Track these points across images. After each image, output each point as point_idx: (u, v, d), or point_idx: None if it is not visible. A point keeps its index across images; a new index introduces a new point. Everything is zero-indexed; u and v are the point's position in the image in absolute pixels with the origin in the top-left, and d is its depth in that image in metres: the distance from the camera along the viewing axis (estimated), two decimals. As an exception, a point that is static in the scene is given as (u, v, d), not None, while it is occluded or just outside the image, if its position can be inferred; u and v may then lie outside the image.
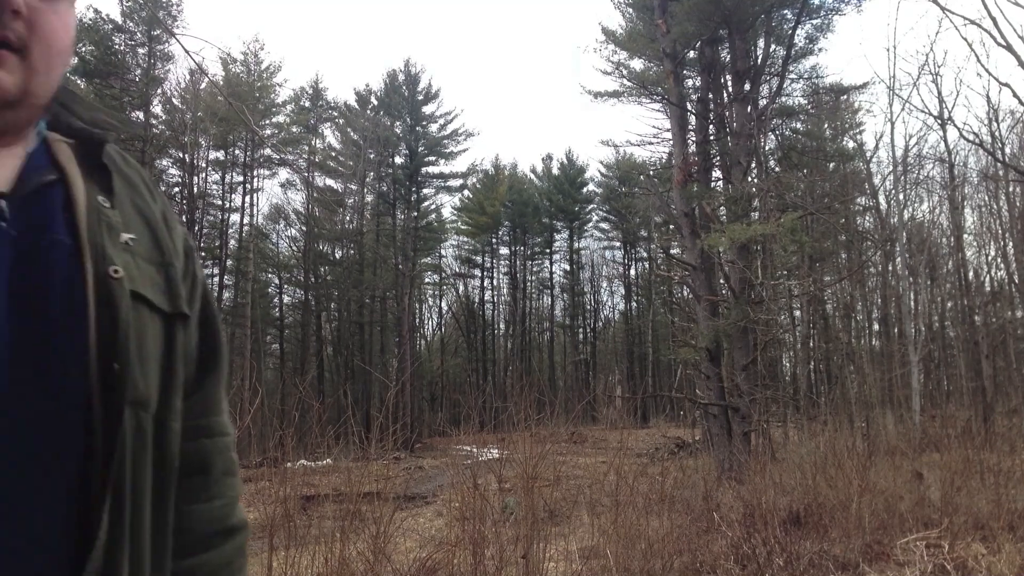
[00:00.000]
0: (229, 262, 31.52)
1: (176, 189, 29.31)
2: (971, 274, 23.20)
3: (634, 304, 43.97)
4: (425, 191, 38.29)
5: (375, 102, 36.21)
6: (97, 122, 0.89)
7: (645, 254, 41.72)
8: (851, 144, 23.77)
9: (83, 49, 22.85)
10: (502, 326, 45.54)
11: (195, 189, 29.38)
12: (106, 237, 0.79)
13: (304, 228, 34.79)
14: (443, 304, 46.07)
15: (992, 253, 24.26)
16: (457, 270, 45.21)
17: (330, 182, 36.20)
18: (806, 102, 19.77)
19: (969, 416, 14.69)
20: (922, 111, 23.46)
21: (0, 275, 0.72)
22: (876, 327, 24.36)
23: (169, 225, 0.93)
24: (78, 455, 0.73)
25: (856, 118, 24.21)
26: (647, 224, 33.84)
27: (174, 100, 26.46)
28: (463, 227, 43.60)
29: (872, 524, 6.47)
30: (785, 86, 17.52)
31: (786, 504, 7.14)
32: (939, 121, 17.85)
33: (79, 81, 22.96)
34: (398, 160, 36.91)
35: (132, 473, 0.77)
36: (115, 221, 0.82)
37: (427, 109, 37.02)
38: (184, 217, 28.69)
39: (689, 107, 16.78)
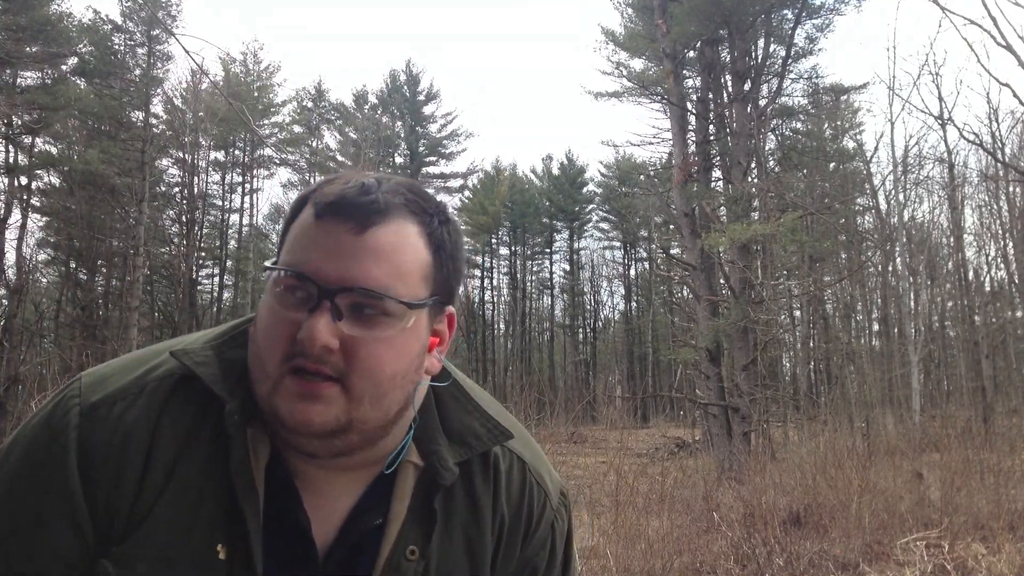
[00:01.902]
0: (229, 262, 31.53)
1: (176, 189, 29.34)
2: (971, 274, 23.22)
3: (634, 304, 43.96)
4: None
5: (375, 101, 36.27)
6: (464, 434, 0.89)
7: (645, 254, 41.71)
8: (851, 144, 23.81)
9: (83, 49, 22.84)
10: (502, 326, 45.54)
11: (195, 189, 29.38)
12: None
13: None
14: (443, 304, 46.00)
15: (992, 253, 24.30)
16: (457, 270, 45.15)
17: (330, 182, 36.17)
18: (806, 102, 19.78)
19: (969, 416, 14.69)
20: (922, 111, 23.46)
21: None
22: (876, 327, 24.40)
23: (507, 554, 0.92)
24: None
25: (856, 118, 24.25)
26: (647, 224, 33.85)
27: (174, 100, 26.47)
28: (463, 227, 43.54)
29: (872, 524, 6.47)
30: (785, 86, 17.54)
31: (786, 504, 7.14)
32: (939, 121, 17.86)
33: (79, 81, 22.95)
34: (399, 160, 36.92)
35: None
36: None
37: (427, 110, 37.07)
38: (184, 217, 28.72)
39: (689, 107, 16.78)
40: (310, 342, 0.74)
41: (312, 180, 34.07)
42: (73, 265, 25.45)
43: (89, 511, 0.77)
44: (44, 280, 26.74)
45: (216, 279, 31.77)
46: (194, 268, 28.63)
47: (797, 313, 22.09)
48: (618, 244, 44.19)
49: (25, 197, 22.01)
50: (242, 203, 31.85)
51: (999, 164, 19.82)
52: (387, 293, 0.76)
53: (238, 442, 0.79)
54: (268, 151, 31.25)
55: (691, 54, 17.48)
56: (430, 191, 0.87)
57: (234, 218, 32.11)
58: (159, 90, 24.89)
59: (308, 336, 0.74)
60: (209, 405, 0.81)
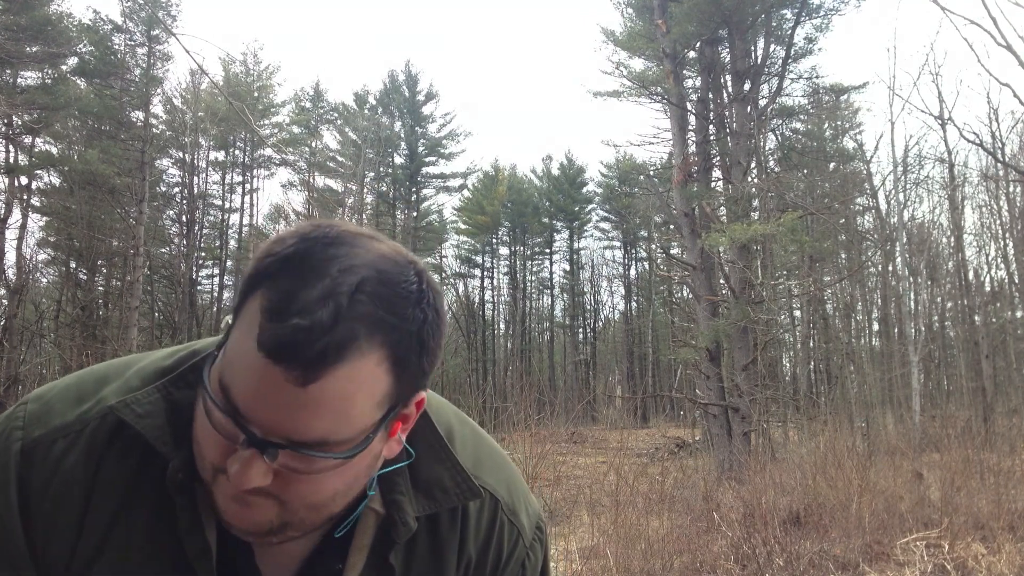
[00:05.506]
0: (229, 262, 31.54)
1: (176, 189, 29.35)
2: (971, 274, 23.20)
3: (634, 304, 43.96)
4: (425, 191, 38.41)
5: (373, 102, 36.29)
6: (431, 485, 0.83)
7: (645, 254, 41.70)
8: (851, 144, 23.79)
9: (83, 49, 22.86)
10: (502, 326, 45.54)
11: (195, 189, 29.39)
12: None
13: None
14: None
15: (992, 253, 24.27)
16: (457, 270, 45.21)
17: (330, 182, 36.25)
18: (806, 102, 19.78)
19: (969, 416, 14.70)
20: (922, 111, 23.47)
21: None
22: (876, 327, 24.37)
23: None
24: None
25: (856, 118, 24.22)
26: (647, 224, 33.84)
27: (174, 100, 26.47)
28: (463, 227, 43.64)
29: (872, 524, 6.47)
30: (785, 86, 17.53)
31: (786, 504, 7.14)
32: (939, 121, 17.86)
33: (79, 81, 22.95)
34: (398, 160, 36.94)
35: None
36: None
37: (427, 110, 37.08)
38: (184, 217, 28.73)
39: (689, 107, 16.78)
40: (238, 483, 0.67)
41: (312, 180, 34.12)
42: (73, 265, 25.44)
43: (29, 553, 0.74)
44: (44, 280, 26.75)
45: (216, 279, 31.78)
46: (194, 268, 28.65)
47: (797, 313, 22.10)
48: (618, 244, 44.20)
49: (25, 197, 22.01)
50: (242, 203, 31.91)
51: (999, 164, 19.83)
52: (325, 444, 0.67)
53: (186, 501, 0.74)
54: (268, 151, 31.28)
55: (691, 54, 17.48)
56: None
57: (234, 218, 32.18)
58: (159, 90, 24.91)
59: (236, 479, 0.67)
60: (156, 451, 0.75)
